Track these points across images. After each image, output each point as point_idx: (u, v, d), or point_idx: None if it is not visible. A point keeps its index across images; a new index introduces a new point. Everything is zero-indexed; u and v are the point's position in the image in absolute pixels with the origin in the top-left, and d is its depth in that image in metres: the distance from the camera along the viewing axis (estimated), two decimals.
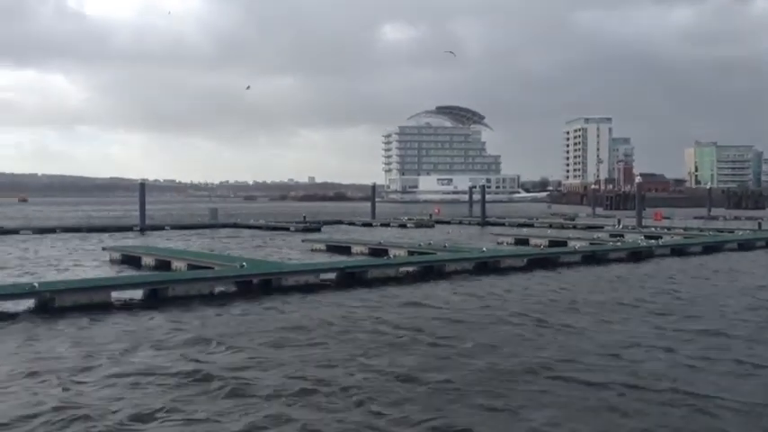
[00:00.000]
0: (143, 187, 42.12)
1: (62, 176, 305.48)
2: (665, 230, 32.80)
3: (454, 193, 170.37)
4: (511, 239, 28.85)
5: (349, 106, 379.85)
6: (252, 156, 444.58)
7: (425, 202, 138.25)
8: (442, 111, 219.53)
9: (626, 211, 65.03)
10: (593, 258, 20.56)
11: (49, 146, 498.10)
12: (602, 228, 37.23)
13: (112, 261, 20.88)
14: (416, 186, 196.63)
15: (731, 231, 33.06)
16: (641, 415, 6.38)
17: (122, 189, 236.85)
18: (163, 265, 18.58)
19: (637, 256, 21.77)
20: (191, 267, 17.24)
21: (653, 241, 25.16)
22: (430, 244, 22.76)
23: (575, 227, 40.36)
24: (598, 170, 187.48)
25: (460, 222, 46.86)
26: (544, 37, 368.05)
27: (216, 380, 7.47)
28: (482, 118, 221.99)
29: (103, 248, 23.35)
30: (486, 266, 18.26)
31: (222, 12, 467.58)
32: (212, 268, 16.23)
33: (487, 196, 51.48)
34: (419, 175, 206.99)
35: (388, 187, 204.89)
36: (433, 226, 43.02)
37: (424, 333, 9.92)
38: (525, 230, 33.71)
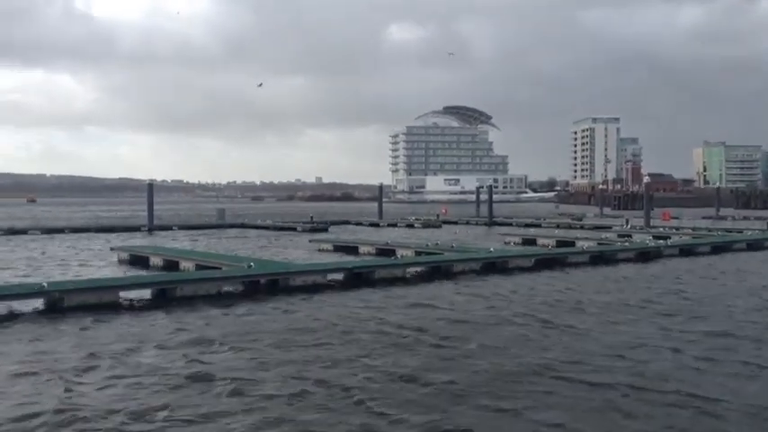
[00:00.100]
0: (151, 188, 42.24)
1: (70, 177, 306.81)
2: (674, 230, 32.67)
3: (461, 193, 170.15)
4: (518, 239, 28.80)
5: (357, 106, 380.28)
6: (259, 156, 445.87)
7: (432, 202, 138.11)
8: (450, 111, 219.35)
9: (634, 212, 64.77)
10: (601, 259, 20.51)
11: (58, 146, 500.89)
12: (610, 228, 37.11)
13: (120, 261, 20.97)
14: (424, 186, 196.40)
15: (740, 231, 32.92)
16: (647, 416, 6.36)
17: (130, 189, 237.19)
18: (171, 266, 18.65)
19: (645, 256, 21.70)
20: (198, 267, 17.30)
21: (661, 241, 25.07)
22: (437, 244, 22.75)
23: (582, 227, 40.27)
24: (606, 170, 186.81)
25: (468, 222, 46.80)
26: (552, 37, 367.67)
27: (219, 380, 7.49)
28: (489, 118, 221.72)
29: (111, 249, 23.46)
30: (494, 267, 18.25)
31: (230, 12, 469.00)
32: (220, 268, 16.29)
33: (495, 196, 51.47)
34: (426, 175, 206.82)
35: (396, 187, 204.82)
36: (440, 226, 42.98)
37: (430, 333, 9.92)
38: (533, 230, 33.66)
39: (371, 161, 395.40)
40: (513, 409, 6.59)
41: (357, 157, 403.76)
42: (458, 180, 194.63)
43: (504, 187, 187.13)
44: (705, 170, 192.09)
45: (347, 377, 7.63)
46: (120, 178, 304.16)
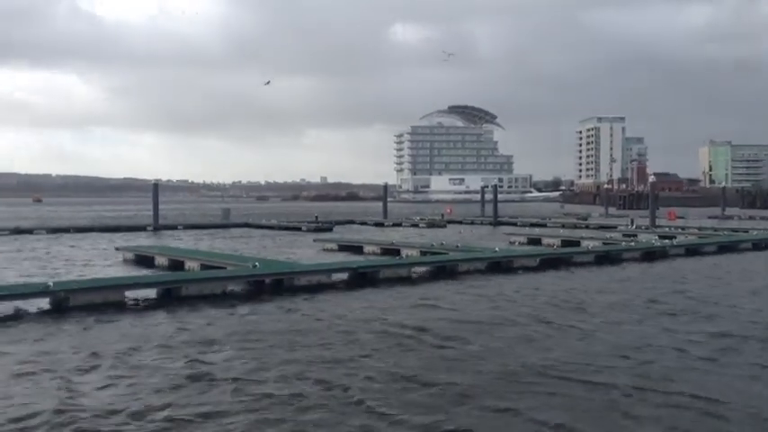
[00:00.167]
0: (156, 187, 42.35)
1: (76, 177, 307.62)
2: (679, 230, 32.61)
3: (466, 192, 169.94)
4: (523, 239, 28.77)
5: (361, 106, 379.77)
6: (264, 156, 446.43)
7: (437, 201, 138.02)
8: (454, 110, 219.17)
9: (639, 211, 64.62)
10: (606, 258, 20.47)
11: (63, 146, 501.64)
12: (615, 228, 37.05)
13: (126, 261, 21.02)
14: (428, 186, 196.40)
15: (746, 231, 32.79)
16: (651, 417, 6.34)
17: (135, 189, 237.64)
18: (176, 265, 18.69)
19: (650, 256, 21.65)
20: (203, 267, 17.33)
21: (667, 241, 25.00)
22: (442, 244, 22.74)
23: (587, 227, 40.18)
24: (611, 170, 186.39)
25: (472, 222, 46.76)
26: (557, 36, 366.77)
27: (221, 380, 7.51)
28: (494, 117, 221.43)
29: (117, 248, 23.52)
30: (499, 266, 18.23)
31: (234, 13, 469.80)
32: (225, 268, 16.31)
33: (500, 196, 51.42)
34: (431, 174, 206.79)
35: (400, 187, 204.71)
36: (445, 226, 42.97)
37: (434, 334, 9.91)
38: (538, 230, 33.58)
39: (376, 161, 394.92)
40: (515, 409, 6.59)
41: (362, 157, 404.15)
42: (462, 180, 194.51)
43: (509, 187, 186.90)
44: (711, 169, 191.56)
45: (349, 377, 7.63)
46: (125, 178, 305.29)
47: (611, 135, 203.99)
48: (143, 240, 29.90)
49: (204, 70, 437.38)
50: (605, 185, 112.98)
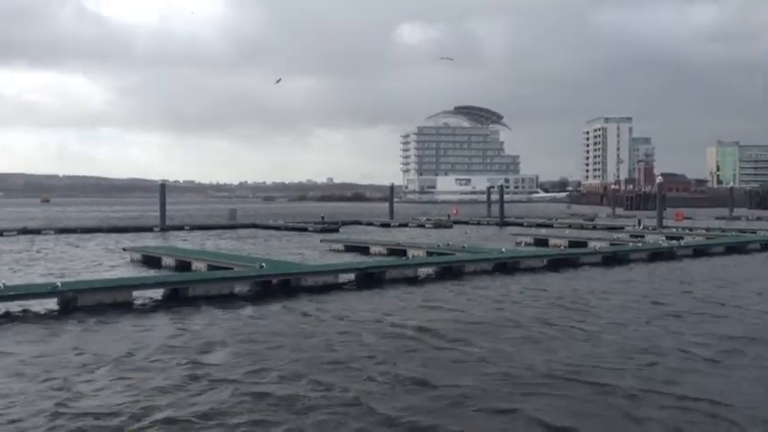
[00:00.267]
0: (163, 188, 42.46)
1: (83, 177, 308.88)
2: (687, 231, 32.51)
3: (472, 193, 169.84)
4: (530, 240, 28.73)
5: (368, 107, 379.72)
6: (271, 157, 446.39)
7: (443, 202, 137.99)
8: (461, 111, 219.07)
9: (646, 212, 64.46)
10: (613, 259, 20.43)
11: (71, 147, 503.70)
12: (622, 228, 36.96)
13: (133, 261, 21.10)
14: (434, 187, 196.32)
15: (754, 232, 32.68)
16: (656, 420, 6.34)
17: (142, 190, 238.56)
18: (183, 266, 18.75)
19: (658, 256, 21.59)
20: (210, 268, 17.38)
21: (674, 242, 24.93)
22: (449, 244, 22.73)
23: (594, 227, 40.12)
24: (618, 170, 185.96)
25: (479, 223, 46.73)
26: (564, 36, 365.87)
27: (223, 380, 7.54)
28: (500, 118, 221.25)
29: (124, 249, 23.62)
30: (506, 267, 18.22)
31: (242, 14, 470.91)
32: (232, 269, 16.36)
33: (506, 196, 51.32)
34: (437, 175, 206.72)
35: (407, 187, 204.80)
36: (451, 226, 42.95)
37: (440, 335, 9.91)
38: (544, 231, 33.53)
39: (382, 161, 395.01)
40: (519, 409, 6.59)
41: (368, 158, 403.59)
42: (469, 180, 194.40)
43: (516, 187, 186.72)
44: (718, 170, 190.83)
45: (352, 379, 7.64)
46: (132, 179, 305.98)
47: (619, 135, 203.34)
48: (150, 241, 30.00)
49: (211, 71, 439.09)
50: (612, 186, 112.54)
